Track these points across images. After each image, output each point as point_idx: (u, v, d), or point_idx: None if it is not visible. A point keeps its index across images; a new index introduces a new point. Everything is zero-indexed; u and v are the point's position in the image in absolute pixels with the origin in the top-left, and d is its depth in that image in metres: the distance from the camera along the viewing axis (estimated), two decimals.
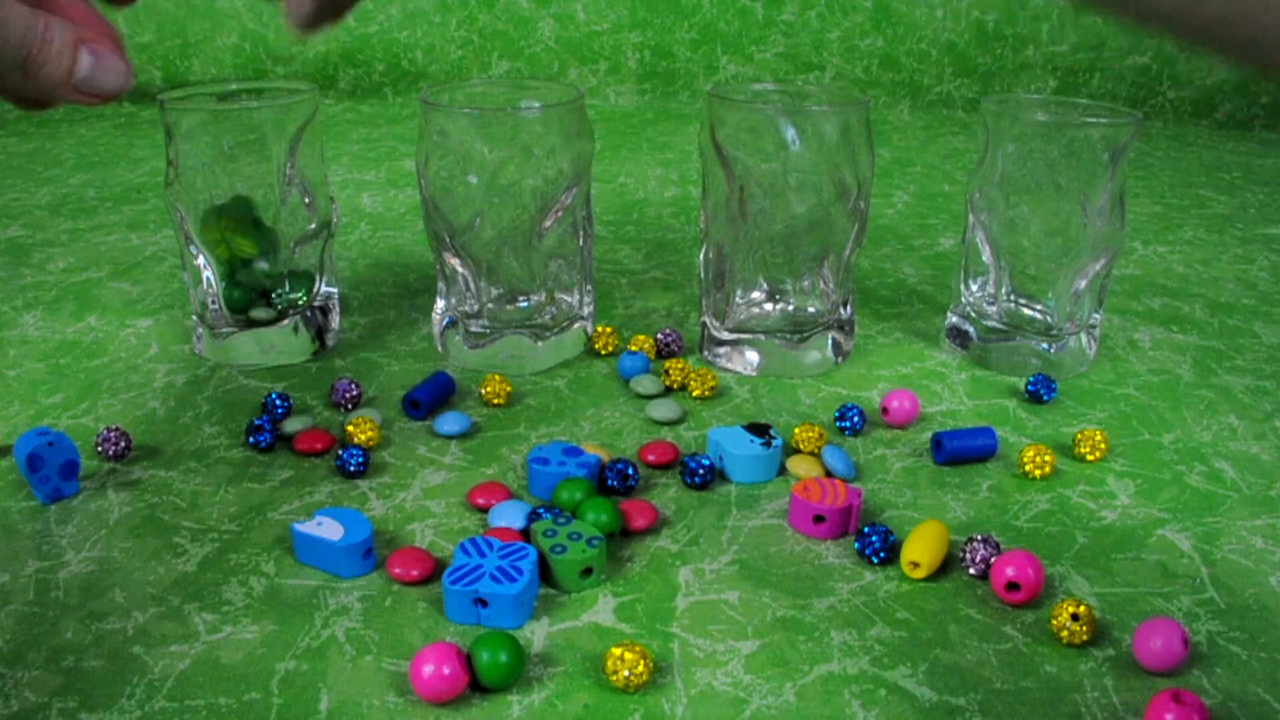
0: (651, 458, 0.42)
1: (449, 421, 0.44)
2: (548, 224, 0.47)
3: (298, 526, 0.36)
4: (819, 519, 0.37)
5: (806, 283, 0.49)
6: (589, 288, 0.52)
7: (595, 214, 0.75)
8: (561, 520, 0.36)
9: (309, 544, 0.35)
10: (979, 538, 0.36)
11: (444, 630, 0.33)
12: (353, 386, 0.46)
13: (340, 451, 0.41)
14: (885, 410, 0.45)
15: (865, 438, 0.45)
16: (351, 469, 0.40)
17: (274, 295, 0.50)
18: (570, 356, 0.52)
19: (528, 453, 0.41)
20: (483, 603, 0.33)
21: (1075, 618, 0.32)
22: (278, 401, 0.45)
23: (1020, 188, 0.48)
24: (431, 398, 0.45)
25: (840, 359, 0.51)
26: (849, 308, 0.51)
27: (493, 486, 0.39)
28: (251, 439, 0.42)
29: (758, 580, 0.35)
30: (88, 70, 0.35)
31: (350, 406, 0.46)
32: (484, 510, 0.39)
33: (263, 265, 0.49)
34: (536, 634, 0.33)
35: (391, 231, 0.72)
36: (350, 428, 0.43)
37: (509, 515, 0.37)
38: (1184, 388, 0.50)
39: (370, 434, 0.43)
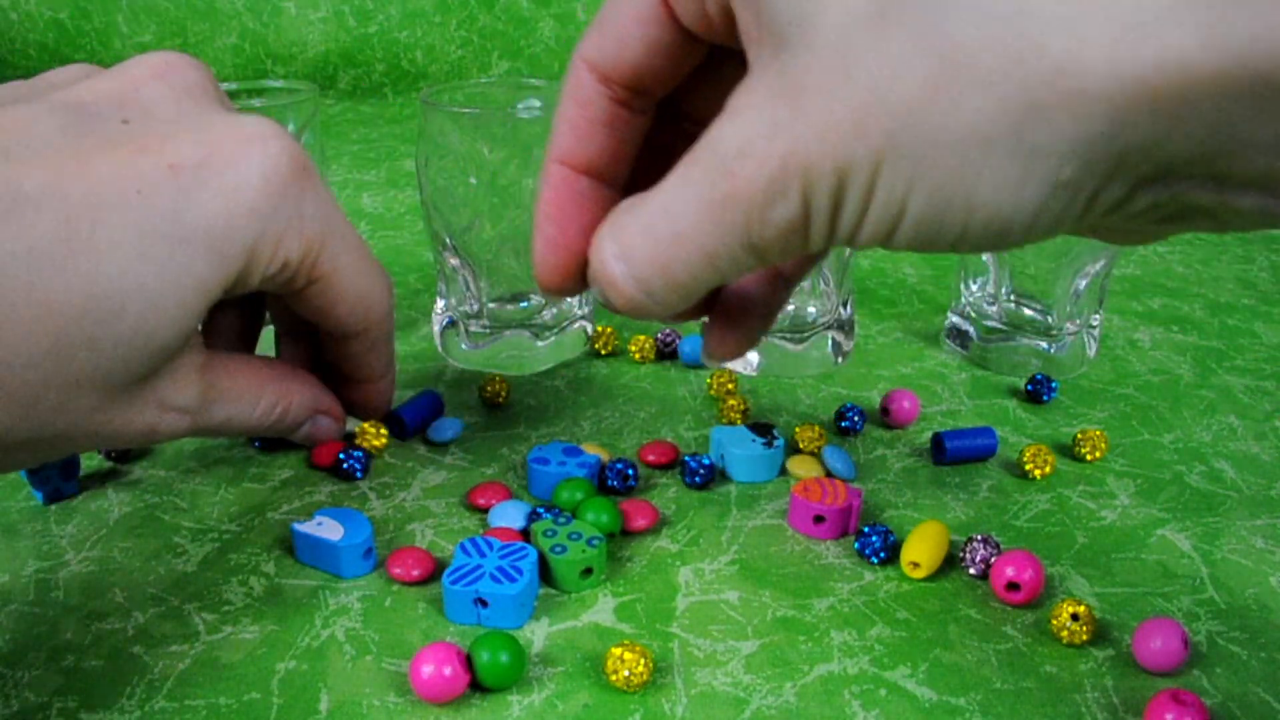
0: (651, 458, 0.42)
1: (441, 428, 0.44)
2: None
3: (298, 526, 0.36)
4: (819, 519, 0.37)
5: (806, 283, 0.49)
6: None
7: None
8: (561, 520, 0.36)
9: (309, 544, 0.35)
10: (979, 538, 0.36)
11: (444, 630, 0.33)
12: None
13: (339, 454, 0.41)
14: (885, 410, 0.45)
15: (865, 438, 0.45)
16: (350, 469, 0.40)
17: None
18: (570, 356, 0.52)
19: (528, 453, 0.41)
20: (483, 603, 0.33)
21: (1075, 618, 0.32)
22: None
23: None
24: (417, 417, 0.45)
25: (840, 359, 0.51)
26: (849, 308, 0.51)
27: (493, 486, 0.39)
28: (253, 441, 0.42)
29: (758, 580, 0.35)
30: (306, 434, 0.39)
31: None
32: (484, 510, 0.39)
33: None
34: (536, 634, 0.33)
35: (391, 231, 0.72)
36: (361, 429, 0.42)
37: (509, 515, 0.37)
38: (1184, 388, 0.50)
39: (381, 441, 0.42)
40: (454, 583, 0.33)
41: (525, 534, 0.37)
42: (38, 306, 0.25)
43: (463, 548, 0.34)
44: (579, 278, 0.28)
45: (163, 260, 0.27)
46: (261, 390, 0.35)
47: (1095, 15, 0.18)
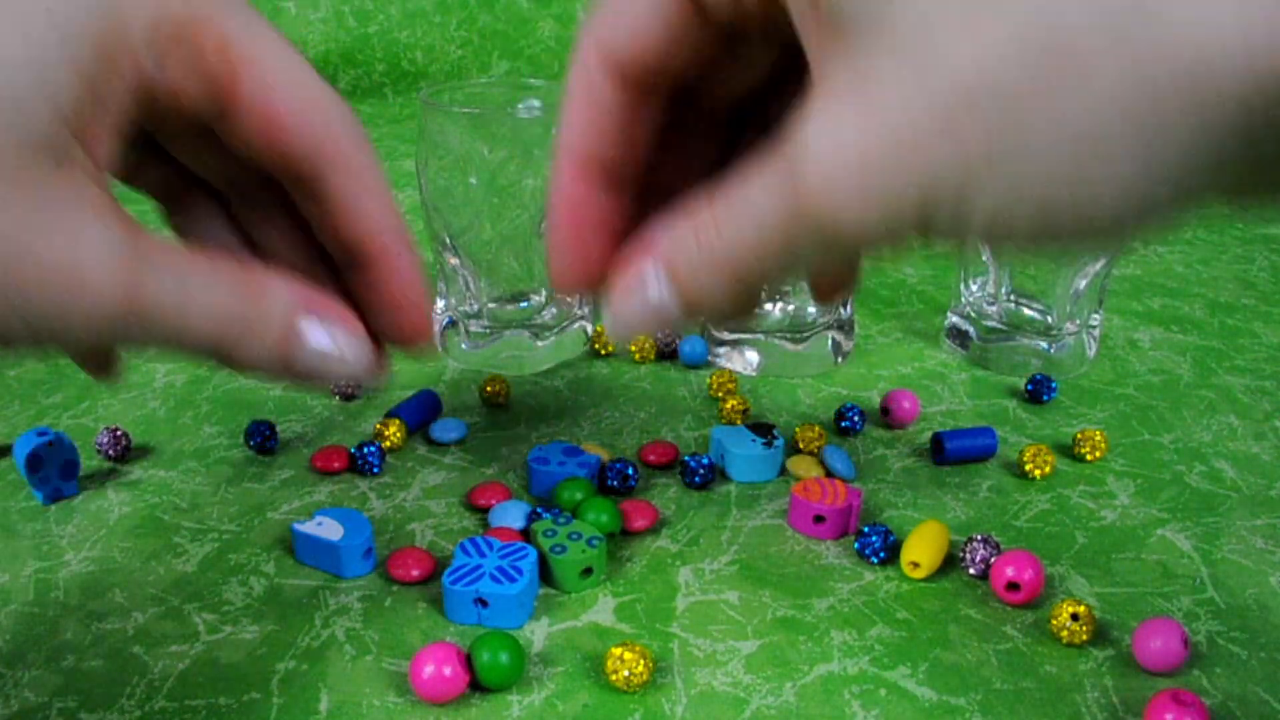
0: (651, 458, 0.42)
1: (442, 428, 0.44)
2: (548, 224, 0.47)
3: (298, 526, 0.36)
4: (819, 519, 0.37)
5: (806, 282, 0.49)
6: None
7: None
8: (561, 520, 0.36)
9: (309, 544, 0.35)
10: (979, 538, 0.36)
11: (444, 630, 0.33)
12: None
13: (352, 450, 0.41)
14: (885, 410, 0.45)
15: (865, 438, 0.45)
16: (365, 467, 0.40)
17: None
18: (570, 356, 0.52)
19: (528, 453, 0.41)
20: (483, 603, 0.33)
21: (1075, 618, 0.32)
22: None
23: None
24: (417, 417, 0.45)
25: (840, 359, 0.51)
26: (849, 308, 0.51)
27: (493, 486, 0.39)
28: (251, 441, 0.42)
29: (758, 580, 0.35)
30: (316, 347, 0.25)
31: (350, 396, 0.46)
32: (484, 510, 0.39)
33: None
34: (536, 634, 0.33)
35: None
36: (378, 426, 0.43)
37: (509, 515, 0.37)
38: (1184, 388, 0.50)
39: (398, 438, 0.43)
40: (454, 583, 0.33)
41: (525, 534, 0.37)
42: None
43: (463, 548, 0.34)
44: (597, 278, 0.26)
45: None
46: (215, 267, 0.23)
47: None
